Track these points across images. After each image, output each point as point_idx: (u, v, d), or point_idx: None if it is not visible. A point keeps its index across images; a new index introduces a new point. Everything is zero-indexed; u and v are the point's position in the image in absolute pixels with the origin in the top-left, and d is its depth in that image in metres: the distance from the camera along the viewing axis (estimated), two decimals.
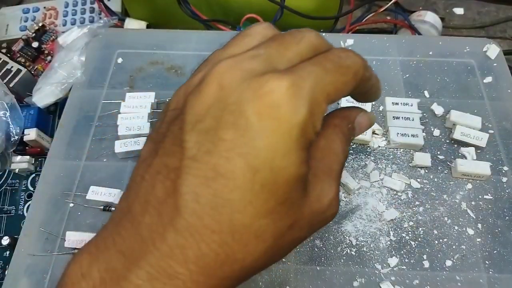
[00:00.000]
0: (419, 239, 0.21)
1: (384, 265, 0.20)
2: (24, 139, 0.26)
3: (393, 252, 0.21)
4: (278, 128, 0.11)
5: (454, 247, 0.21)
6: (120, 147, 0.24)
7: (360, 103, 0.17)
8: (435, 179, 0.23)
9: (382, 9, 0.30)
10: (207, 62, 0.13)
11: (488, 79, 0.26)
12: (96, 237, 0.12)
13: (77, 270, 0.11)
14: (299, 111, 0.11)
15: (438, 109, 0.25)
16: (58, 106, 0.28)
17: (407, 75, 0.27)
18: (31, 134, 0.25)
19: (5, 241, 0.23)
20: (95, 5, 0.33)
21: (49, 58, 0.31)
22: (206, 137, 0.11)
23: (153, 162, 0.12)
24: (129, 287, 0.11)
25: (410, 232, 0.21)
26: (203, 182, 0.11)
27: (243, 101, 0.11)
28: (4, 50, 0.31)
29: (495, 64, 0.27)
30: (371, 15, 0.31)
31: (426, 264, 0.20)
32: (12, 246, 0.22)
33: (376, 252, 0.21)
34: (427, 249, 0.21)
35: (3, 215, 0.24)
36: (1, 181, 0.25)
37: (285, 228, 0.12)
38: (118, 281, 0.11)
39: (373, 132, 0.24)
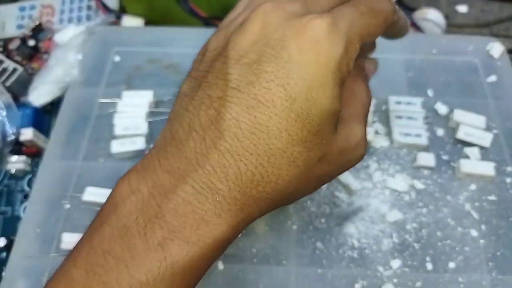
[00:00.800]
0: (422, 240, 0.21)
1: (387, 267, 0.20)
2: (20, 139, 0.25)
3: (396, 254, 0.20)
4: (316, 61, 0.12)
5: (457, 248, 0.21)
6: (116, 147, 0.23)
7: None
8: (439, 180, 0.23)
9: None
10: (243, 6, 0.15)
11: (492, 78, 0.26)
12: (141, 161, 0.13)
13: (126, 186, 0.13)
14: (336, 47, 0.12)
15: (442, 109, 0.25)
16: (54, 106, 0.27)
17: (410, 74, 0.26)
18: (27, 134, 0.25)
19: (2, 242, 0.23)
20: (92, 3, 0.32)
21: (45, 56, 0.30)
22: (249, 70, 0.12)
23: (196, 95, 0.13)
24: (176, 199, 0.12)
25: (413, 234, 0.21)
26: (245, 110, 0.12)
27: (285, 37, 0.12)
28: (0, 49, 0.30)
29: (498, 63, 0.27)
30: None
31: (429, 266, 0.20)
32: (8, 247, 0.22)
33: (379, 254, 0.20)
34: (430, 251, 0.21)
35: (0, 216, 0.24)
36: None
37: (315, 159, 0.13)
38: (165, 194, 0.12)
39: (376, 132, 0.24)
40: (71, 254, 0.13)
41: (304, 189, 0.14)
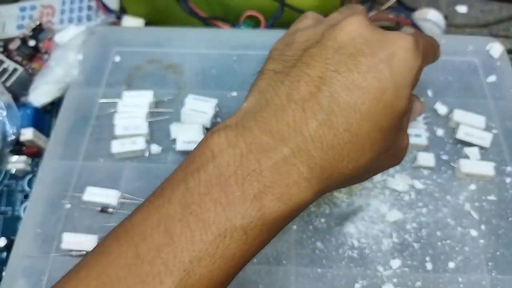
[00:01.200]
0: (422, 240, 0.21)
1: (387, 267, 0.20)
2: (21, 139, 0.25)
3: (396, 254, 0.20)
4: (405, 65, 0.15)
5: (457, 248, 0.21)
6: (117, 147, 0.23)
7: None
8: (438, 180, 0.23)
9: (384, 7, 0.30)
10: (314, 18, 0.18)
11: (492, 78, 0.26)
12: (233, 120, 0.14)
13: (223, 140, 0.14)
14: (418, 59, 0.15)
15: (442, 109, 0.25)
16: (55, 106, 0.27)
17: None
18: (28, 134, 0.25)
19: (2, 242, 0.23)
20: (93, 3, 0.32)
21: (46, 56, 0.30)
22: (348, 59, 0.14)
23: (292, 71, 0.15)
24: (275, 157, 0.13)
25: (413, 234, 0.21)
26: (343, 91, 0.14)
27: (381, 42, 0.15)
28: (0, 49, 0.30)
29: (498, 63, 0.27)
30: (373, 13, 0.31)
31: (429, 266, 0.20)
32: (9, 247, 0.22)
33: (378, 254, 0.20)
34: (430, 251, 0.21)
35: (0, 216, 0.24)
36: None
37: (386, 147, 0.15)
38: (265, 152, 0.13)
39: None
40: (162, 193, 0.13)
41: (367, 173, 0.16)
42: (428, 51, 0.16)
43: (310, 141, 0.13)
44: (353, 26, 0.15)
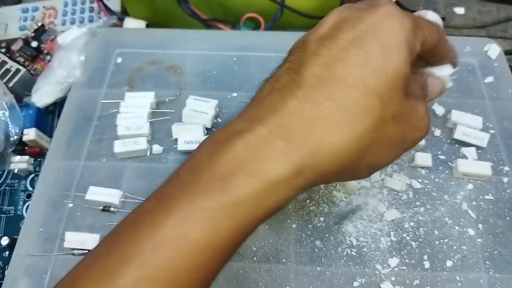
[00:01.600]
0: (420, 239, 0.21)
1: (385, 265, 0.20)
2: (23, 139, 0.25)
3: (394, 253, 0.21)
4: (391, 27, 0.14)
5: (454, 247, 0.21)
6: (119, 147, 0.23)
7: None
8: (436, 179, 0.23)
9: None
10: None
11: (489, 79, 0.26)
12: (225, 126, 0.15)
13: (207, 139, 0.14)
14: (407, 19, 0.15)
15: (439, 109, 0.25)
16: (57, 106, 0.28)
17: None
18: (30, 134, 0.25)
19: (5, 241, 0.23)
20: (95, 5, 0.32)
21: (48, 57, 0.30)
22: (326, 42, 0.14)
23: (277, 72, 0.15)
24: (249, 137, 0.13)
25: (410, 233, 0.21)
26: (323, 67, 0.14)
27: (362, 16, 0.15)
28: (3, 50, 0.31)
29: (496, 64, 0.27)
30: None
31: (427, 264, 0.20)
32: (11, 246, 0.22)
33: (377, 252, 0.21)
34: (428, 250, 0.21)
35: (2, 215, 0.24)
36: (1, 181, 0.25)
37: (389, 114, 0.14)
38: (239, 134, 0.13)
39: None
40: (151, 196, 0.14)
41: (376, 150, 0.15)
42: (417, 19, 0.16)
43: (289, 117, 0.13)
44: (333, 16, 0.15)
